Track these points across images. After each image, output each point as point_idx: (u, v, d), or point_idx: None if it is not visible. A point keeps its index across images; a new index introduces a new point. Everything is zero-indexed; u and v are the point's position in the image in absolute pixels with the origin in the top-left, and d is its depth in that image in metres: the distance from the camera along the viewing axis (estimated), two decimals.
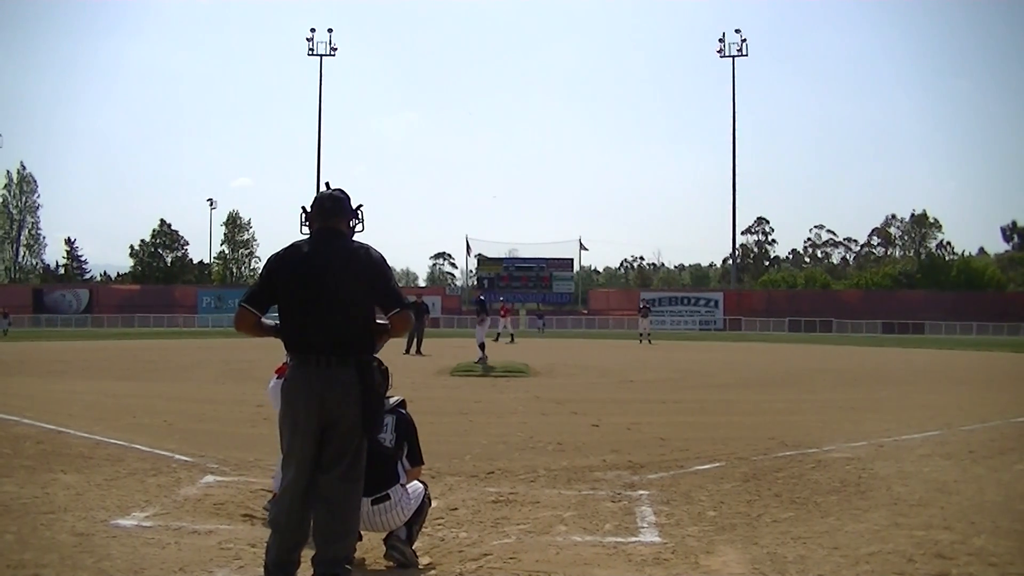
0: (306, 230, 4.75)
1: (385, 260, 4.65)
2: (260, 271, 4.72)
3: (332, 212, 4.68)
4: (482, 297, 24.40)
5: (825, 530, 6.08)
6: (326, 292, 4.45)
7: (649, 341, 41.84)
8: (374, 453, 5.12)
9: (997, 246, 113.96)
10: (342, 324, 4.46)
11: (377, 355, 4.66)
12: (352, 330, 4.49)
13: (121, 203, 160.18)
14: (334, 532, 4.54)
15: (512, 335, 38.35)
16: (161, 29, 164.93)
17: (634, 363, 26.13)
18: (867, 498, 7.05)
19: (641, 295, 75.13)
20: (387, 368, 4.87)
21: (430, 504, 5.60)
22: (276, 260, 4.62)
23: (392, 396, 5.44)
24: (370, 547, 5.58)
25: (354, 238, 4.77)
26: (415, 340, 28.45)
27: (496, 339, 35.31)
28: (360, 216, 4.84)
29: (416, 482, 5.47)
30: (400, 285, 5.11)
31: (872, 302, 77.11)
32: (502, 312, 37.17)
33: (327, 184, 4.87)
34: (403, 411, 5.52)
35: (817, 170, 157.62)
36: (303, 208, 4.78)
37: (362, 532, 5.43)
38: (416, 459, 5.50)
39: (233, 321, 4.71)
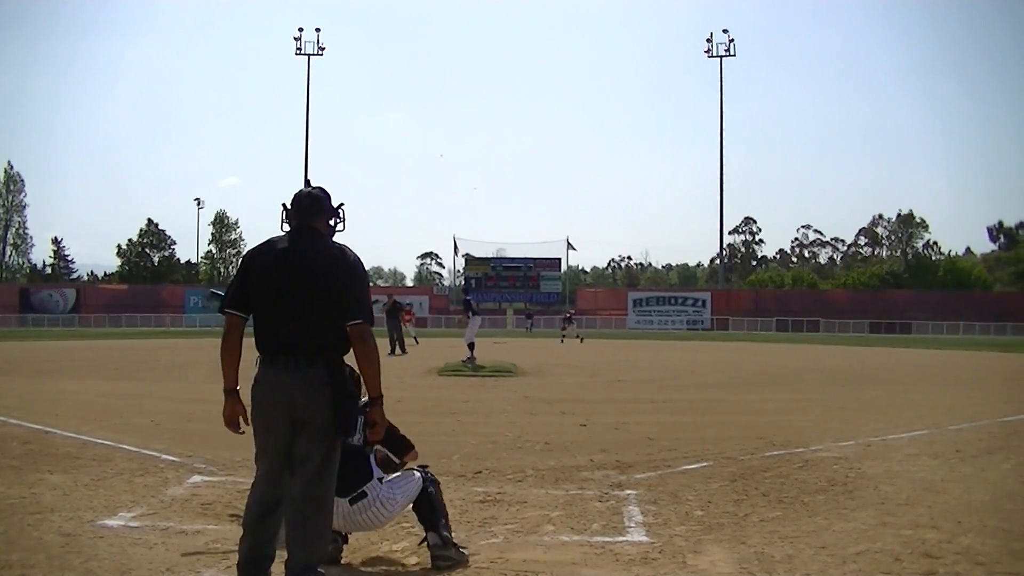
0: (286, 227, 4.69)
1: (362, 264, 4.56)
2: (237, 269, 4.65)
3: (310, 210, 4.61)
4: (469, 297, 24.35)
5: (813, 529, 6.09)
6: (299, 290, 4.38)
7: (563, 340, 43.81)
8: (344, 451, 5.08)
9: (983, 246, 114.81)
10: (315, 323, 4.37)
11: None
12: (325, 330, 4.39)
13: (108, 203, 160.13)
14: (306, 535, 4.46)
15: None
16: (148, 29, 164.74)
17: (622, 363, 26.19)
18: (855, 497, 7.08)
19: (629, 294, 75.47)
20: (359, 375, 4.81)
21: (439, 492, 5.48)
22: (251, 255, 4.57)
23: (363, 398, 5.46)
24: (357, 547, 5.58)
25: (335, 238, 4.73)
26: (398, 339, 28.70)
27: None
28: (341, 215, 4.80)
29: (413, 472, 5.41)
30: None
31: (859, 302, 77.39)
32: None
33: (307, 182, 4.83)
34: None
35: (804, 170, 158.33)
36: (283, 205, 4.72)
37: (347, 535, 5.44)
38: (401, 448, 5.45)
39: (222, 335, 4.54)
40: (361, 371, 4.46)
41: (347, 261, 4.48)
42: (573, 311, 56.21)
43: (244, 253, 4.59)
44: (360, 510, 5.13)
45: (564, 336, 46.71)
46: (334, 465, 4.57)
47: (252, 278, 4.47)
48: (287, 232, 4.64)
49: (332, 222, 4.76)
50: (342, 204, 4.79)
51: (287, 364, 4.36)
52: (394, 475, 5.34)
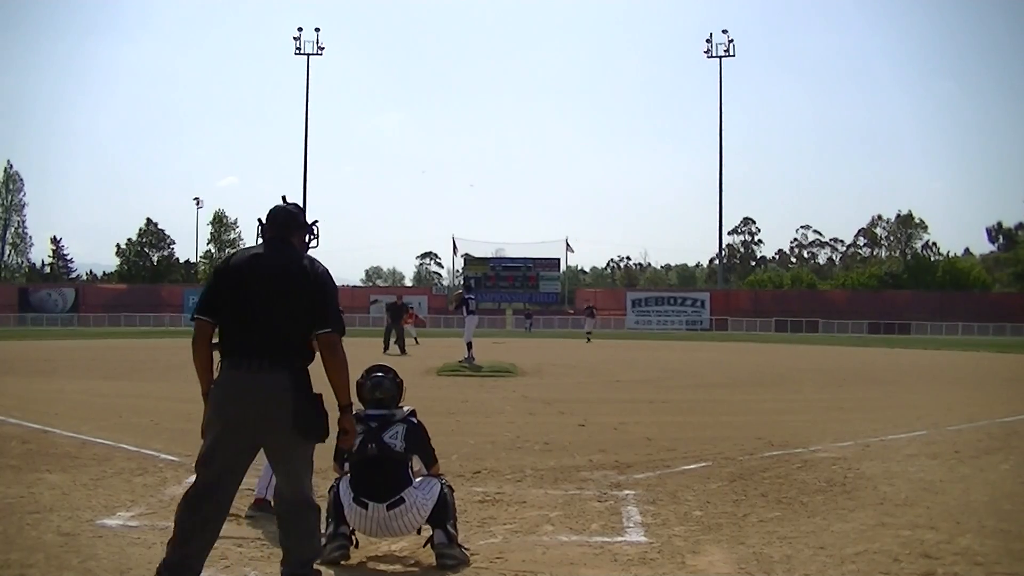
0: (260, 242, 4.75)
1: (330, 276, 4.61)
2: (208, 277, 4.65)
3: (284, 225, 4.69)
4: (469, 296, 24.32)
5: (811, 530, 6.10)
6: (267, 296, 4.41)
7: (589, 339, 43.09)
8: (385, 459, 5.27)
9: (982, 247, 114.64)
10: (280, 330, 4.39)
11: (390, 366, 4.59)
12: (289, 337, 4.41)
13: (107, 202, 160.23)
14: (299, 533, 4.50)
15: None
16: (148, 28, 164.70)
17: (621, 363, 26.18)
18: (853, 498, 7.09)
19: (628, 294, 75.45)
20: (402, 380, 5.07)
21: (453, 496, 5.58)
22: (223, 263, 4.62)
23: (404, 406, 5.59)
24: (359, 546, 5.57)
25: (308, 254, 4.77)
26: (398, 340, 29.08)
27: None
28: (315, 232, 4.87)
29: (431, 478, 5.50)
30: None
31: (858, 302, 77.31)
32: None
33: (283, 198, 4.86)
34: (414, 420, 5.56)
35: (804, 171, 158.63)
36: (258, 220, 4.79)
37: (356, 538, 5.45)
38: (430, 460, 5.57)
39: (192, 342, 4.54)
40: (330, 380, 4.48)
41: (316, 272, 4.53)
42: (593, 304, 53.88)
43: (217, 263, 4.59)
44: (396, 516, 5.26)
45: (590, 336, 45.21)
46: (310, 463, 4.58)
47: (222, 284, 4.50)
48: (261, 243, 4.71)
49: (306, 238, 4.83)
50: (316, 221, 4.86)
51: (250, 367, 4.35)
52: (420, 480, 5.44)
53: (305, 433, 4.41)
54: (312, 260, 4.62)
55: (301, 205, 4.90)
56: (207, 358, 4.52)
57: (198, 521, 4.37)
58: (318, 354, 4.51)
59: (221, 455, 4.39)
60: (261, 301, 4.40)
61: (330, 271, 4.63)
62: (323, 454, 5.68)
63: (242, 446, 4.43)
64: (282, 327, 4.39)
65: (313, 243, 4.85)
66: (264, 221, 4.74)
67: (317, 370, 4.47)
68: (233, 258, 4.60)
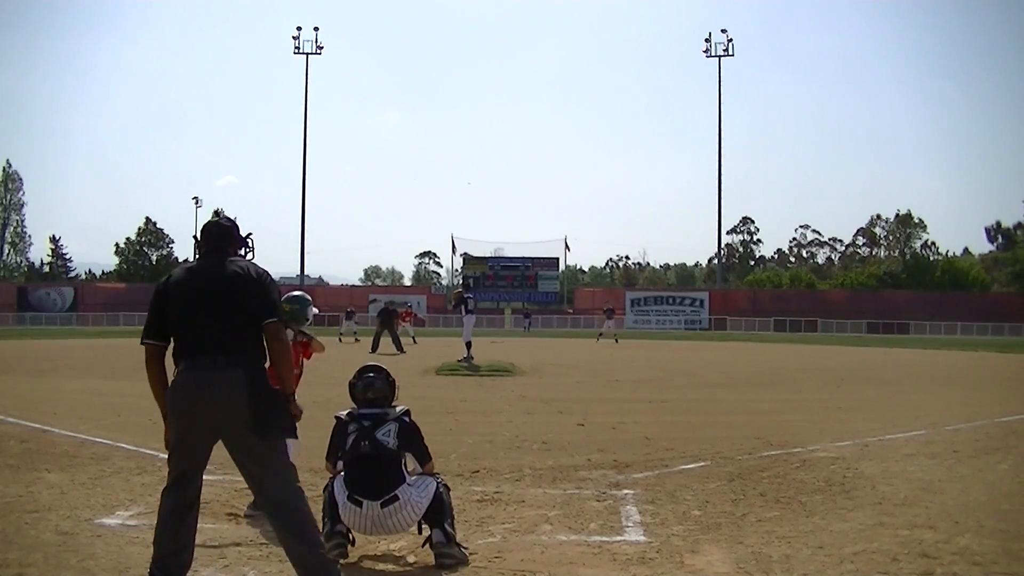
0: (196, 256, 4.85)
1: (268, 274, 4.69)
2: (151, 300, 4.70)
3: (219, 239, 4.79)
4: (468, 296, 24.37)
5: (810, 529, 6.10)
6: (208, 301, 4.49)
7: (616, 340, 42.45)
8: (378, 456, 5.28)
9: (981, 246, 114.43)
10: (226, 329, 4.46)
11: (382, 366, 4.61)
12: (239, 333, 4.48)
13: (106, 201, 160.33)
14: (293, 524, 4.51)
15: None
16: (146, 28, 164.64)
17: (620, 362, 26.18)
18: (852, 497, 7.09)
19: (627, 294, 75.41)
20: (395, 380, 5.17)
21: (450, 494, 5.58)
22: (162, 283, 4.69)
23: (397, 406, 5.60)
24: (357, 545, 5.57)
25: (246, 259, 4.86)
26: (394, 339, 29.60)
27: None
28: (250, 245, 4.97)
29: (426, 477, 5.50)
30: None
31: (857, 302, 77.27)
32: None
33: (216, 212, 4.94)
34: (407, 419, 5.55)
35: (802, 170, 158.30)
36: (194, 237, 4.92)
37: (354, 537, 5.45)
38: (424, 458, 5.57)
39: (145, 365, 4.62)
40: (274, 366, 4.59)
41: (254, 269, 4.65)
42: (611, 305, 52.79)
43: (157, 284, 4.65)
44: (391, 513, 5.27)
45: (616, 336, 43.69)
46: (284, 454, 4.62)
47: (165, 303, 4.59)
48: (196, 258, 4.83)
49: (242, 251, 4.92)
50: (251, 234, 4.96)
51: (204, 364, 4.42)
52: (415, 478, 5.44)
53: (262, 434, 4.45)
54: (249, 263, 4.72)
55: (233, 219, 5.01)
56: (161, 381, 4.61)
57: (176, 510, 4.46)
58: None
59: (186, 451, 4.51)
60: (203, 306, 4.49)
61: (268, 271, 4.73)
62: (318, 453, 5.70)
63: (204, 438, 4.52)
64: (228, 325, 4.46)
65: (250, 256, 4.94)
66: (199, 237, 4.84)
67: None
68: (171, 276, 4.71)
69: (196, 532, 4.58)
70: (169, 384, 4.52)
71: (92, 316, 74.10)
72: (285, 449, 4.64)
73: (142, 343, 4.61)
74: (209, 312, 4.46)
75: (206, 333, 4.44)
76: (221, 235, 4.80)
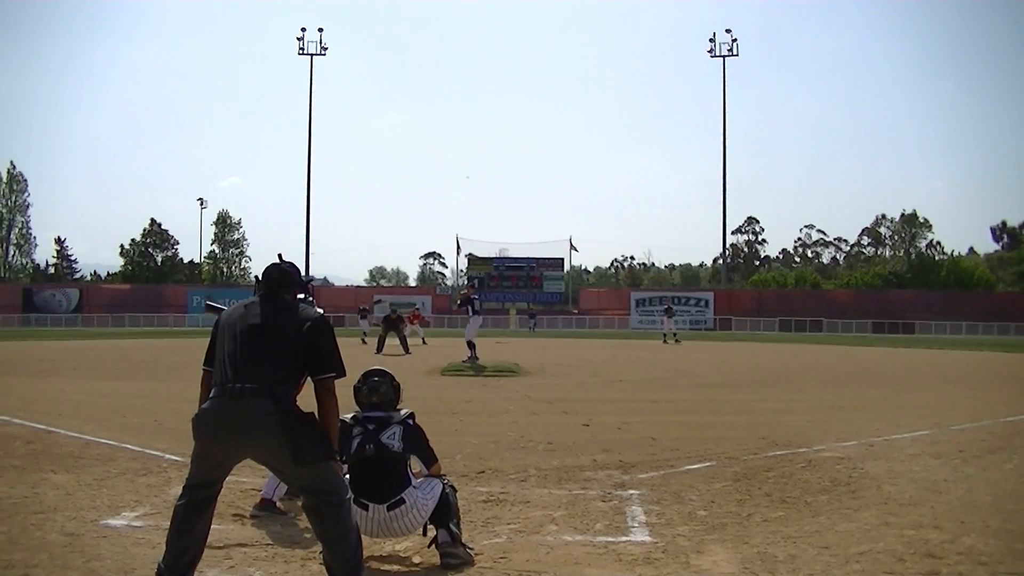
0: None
1: (326, 323, 4.71)
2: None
3: (278, 283, 4.85)
4: (473, 296, 24.34)
5: (815, 529, 6.10)
6: (251, 337, 4.53)
7: (676, 340, 42.42)
8: (383, 460, 5.29)
9: (987, 246, 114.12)
10: (261, 365, 4.46)
11: (387, 370, 4.63)
12: (272, 372, 4.46)
13: (111, 202, 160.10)
14: (330, 538, 4.53)
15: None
16: (151, 29, 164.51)
17: (624, 363, 26.17)
18: (857, 497, 7.08)
19: (631, 294, 75.30)
20: (399, 384, 5.28)
21: (456, 495, 5.60)
22: (223, 315, 4.79)
23: (402, 409, 5.61)
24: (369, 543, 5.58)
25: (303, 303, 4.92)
26: (401, 341, 30.02)
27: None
28: (309, 290, 5.11)
29: (432, 479, 5.52)
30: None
31: (862, 302, 77.19)
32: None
33: (279, 256, 4.96)
34: (411, 422, 5.55)
35: (807, 170, 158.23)
36: (255, 277, 5.02)
37: (373, 538, 5.46)
38: (430, 460, 5.58)
39: (200, 389, 4.77)
40: (323, 420, 4.57)
41: (312, 321, 4.64)
42: (668, 305, 52.06)
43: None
44: (397, 516, 5.30)
45: (675, 336, 43.97)
46: (328, 476, 4.56)
47: (218, 334, 4.69)
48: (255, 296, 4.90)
49: (302, 295, 4.99)
50: (312, 279, 4.98)
51: (232, 392, 4.41)
52: (421, 480, 5.47)
53: (299, 460, 4.41)
54: (309, 312, 4.73)
55: (296, 265, 5.06)
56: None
57: (188, 510, 4.48)
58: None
59: (204, 463, 4.53)
60: (244, 341, 4.53)
61: (327, 317, 4.78)
62: None
63: (224, 460, 4.56)
64: (265, 365, 4.46)
65: (309, 299, 5.03)
66: (259, 278, 4.92)
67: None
68: (229, 310, 4.81)
69: (207, 535, 4.59)
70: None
71: (97, 317, 74.28)
72: (329, 468, 4.57)
73: (204, 367, 4.78)
74: (245, 349, 4.50)
75: (241, 368, 4.46)
76: (280, 279, 4.86)
